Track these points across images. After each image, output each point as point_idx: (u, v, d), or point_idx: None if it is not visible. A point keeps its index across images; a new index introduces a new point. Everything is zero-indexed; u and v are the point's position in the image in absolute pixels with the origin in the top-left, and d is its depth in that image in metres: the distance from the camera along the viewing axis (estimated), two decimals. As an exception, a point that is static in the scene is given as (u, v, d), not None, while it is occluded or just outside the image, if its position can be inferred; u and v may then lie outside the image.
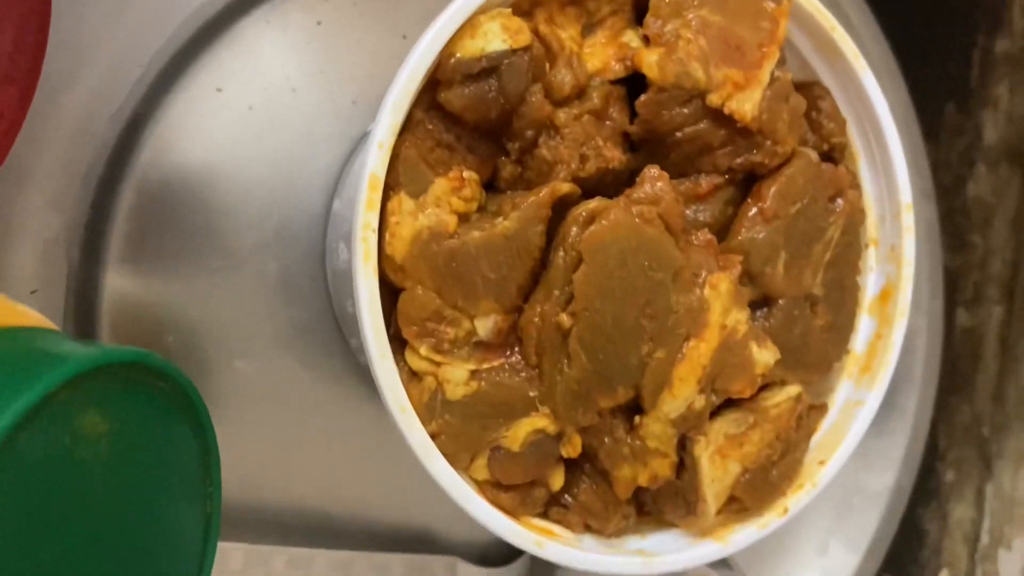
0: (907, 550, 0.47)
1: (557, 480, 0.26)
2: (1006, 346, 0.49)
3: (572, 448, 0.26)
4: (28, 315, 0.23)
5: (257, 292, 0.34)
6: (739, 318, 0.25)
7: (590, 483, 0.27)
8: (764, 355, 0.26)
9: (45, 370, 0.19)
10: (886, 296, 0.29)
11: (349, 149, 0.35)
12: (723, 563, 0.37)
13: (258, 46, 0.34)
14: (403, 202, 0.24)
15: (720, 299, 0.25)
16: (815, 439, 0.29)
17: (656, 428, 0.26)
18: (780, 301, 0.27)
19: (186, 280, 0.33)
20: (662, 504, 0.28)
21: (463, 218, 0.25)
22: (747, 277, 0.26)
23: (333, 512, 0.35)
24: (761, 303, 0.27)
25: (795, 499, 0.28)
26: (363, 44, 0.35)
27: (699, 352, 0.25)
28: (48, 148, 0.32)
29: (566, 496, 0.27)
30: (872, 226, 0.29)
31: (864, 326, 0.29)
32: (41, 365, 0.19)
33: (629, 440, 0.26)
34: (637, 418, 0.26)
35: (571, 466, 0.27)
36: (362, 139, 0.35)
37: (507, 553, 0.38)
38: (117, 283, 0.32)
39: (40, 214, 0.32)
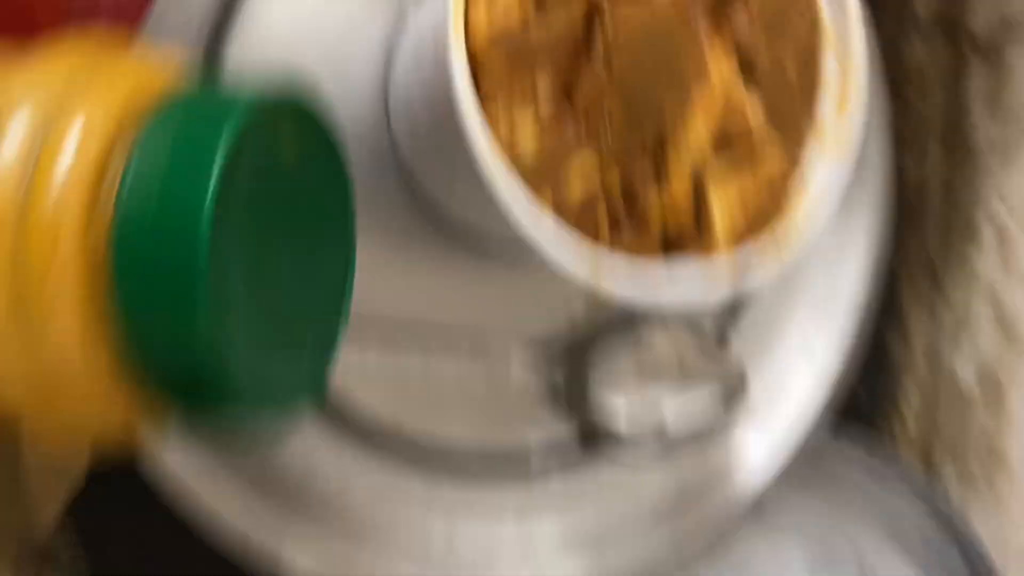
0: (873, 366, 0.56)
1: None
2: (949, 189, 0.57)
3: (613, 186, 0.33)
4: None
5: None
6: (733, 74, 0.33)
7: (629, 224, 0.34)
8: (757, 107, 0.34)
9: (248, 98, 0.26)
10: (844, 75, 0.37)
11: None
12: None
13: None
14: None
15: (718, 61, 0.33)
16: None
17: (677, 168, 0.33)
18: (762, 67, 0.35)
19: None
20: (683, 245, 0.35)
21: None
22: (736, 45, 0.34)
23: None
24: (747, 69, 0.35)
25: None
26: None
27: (710, 97, 0.33)
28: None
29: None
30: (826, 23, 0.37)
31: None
32: (243, 94, 0.26)
33: (658, 183, 0.34)
34: (664, 162, 0.33)
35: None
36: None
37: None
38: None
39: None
